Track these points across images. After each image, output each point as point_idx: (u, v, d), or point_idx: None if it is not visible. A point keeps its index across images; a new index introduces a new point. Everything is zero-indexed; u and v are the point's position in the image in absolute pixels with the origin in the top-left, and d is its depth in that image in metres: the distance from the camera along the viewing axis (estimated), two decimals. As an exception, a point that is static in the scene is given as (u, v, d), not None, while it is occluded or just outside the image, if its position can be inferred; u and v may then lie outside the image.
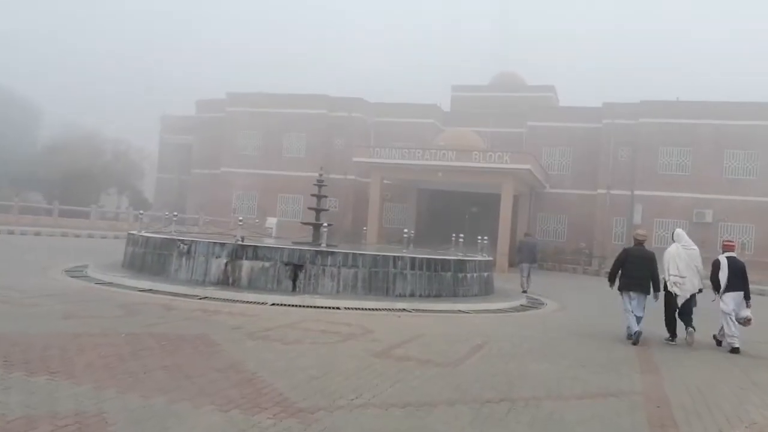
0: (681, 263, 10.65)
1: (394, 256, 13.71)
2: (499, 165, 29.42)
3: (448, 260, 14.54)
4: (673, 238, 11.26)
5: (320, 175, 17.50)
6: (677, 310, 10.72)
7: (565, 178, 37.35)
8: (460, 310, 13.14)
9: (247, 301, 12.02)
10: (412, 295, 13.73)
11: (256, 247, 13.31)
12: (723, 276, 10.42)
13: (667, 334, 10.84)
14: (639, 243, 11.10)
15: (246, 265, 13.18)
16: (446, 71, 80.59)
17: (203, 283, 13.24)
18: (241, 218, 14.48)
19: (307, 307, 12.00)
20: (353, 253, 13.41)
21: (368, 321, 10.74)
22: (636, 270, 10.66)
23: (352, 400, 5.81)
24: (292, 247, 13.43)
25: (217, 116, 41.95)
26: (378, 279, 13.43)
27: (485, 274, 15.76)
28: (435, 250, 19.41)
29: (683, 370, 8.45)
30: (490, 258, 16.81)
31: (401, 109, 39.85)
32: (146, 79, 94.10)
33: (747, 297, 10.50)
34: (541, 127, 37.63)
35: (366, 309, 12.23)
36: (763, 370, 8.83)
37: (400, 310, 12.46)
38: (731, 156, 33.84)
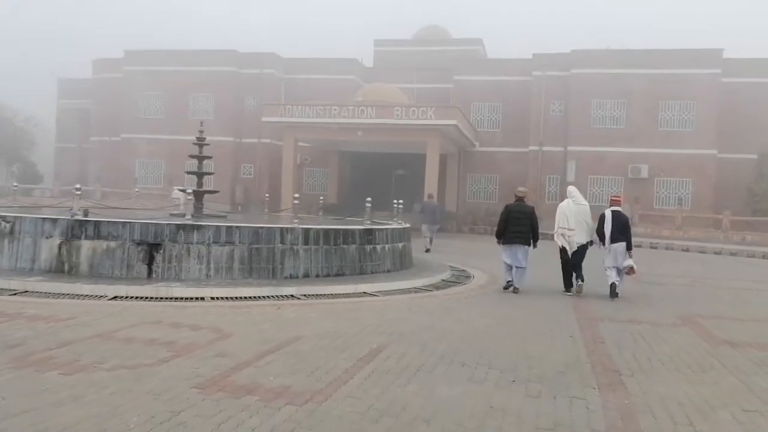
0: (571, 217, 11.30)
1: (282, 229, 10.89)
2: (423, 121, 26.82)
3: (352, 231, 11.82)
4: (566, 195, 11.83)
5: (200, 132, 14.48)
6: (569, 263, 11.40)
7: (495, 135, 35.07)
8: (364, 293, 10.48)
9: (81, 295, 9.08)
10: (306, 275, 10.99)
11: (98, 222, 10.26)
12: (607, 229, 11.08)
13: (563, 288, 11.55)
14: (519, 199, 11.70)
15: (86, 246, 10.15)
16: (368, 26, 77.08)
17: (30, 271, 10.18)
18: (78, 186, 11.32)
19: (161, 299, 9.12)
20: (227, 227, 10.52)
21: (231, 318, 7.95)
22: (517, 224, 11.35)
23: None
24: (146, 221, 10.45)
25: (116, 77, 37.78)
26: (261, 258, 10.61)
27: (400, 244, 13.14)
28: (348, 217, 16.76)
29: (657, 378, 5.98)
30: (407, 225, 14.17)
31: (319, 65, 36.62)
32: (36, 35, 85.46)
33: (629, 248, 11.12)
34: (469, 81, 35.14)
35: (241, 298, 9.45)
36: (760, 371, 6.45)
37: (286, 297, 9.73)
38: (666, 107, 32.10)
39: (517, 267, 11.28)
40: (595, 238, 11.40)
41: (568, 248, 11.31)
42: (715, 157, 31.75)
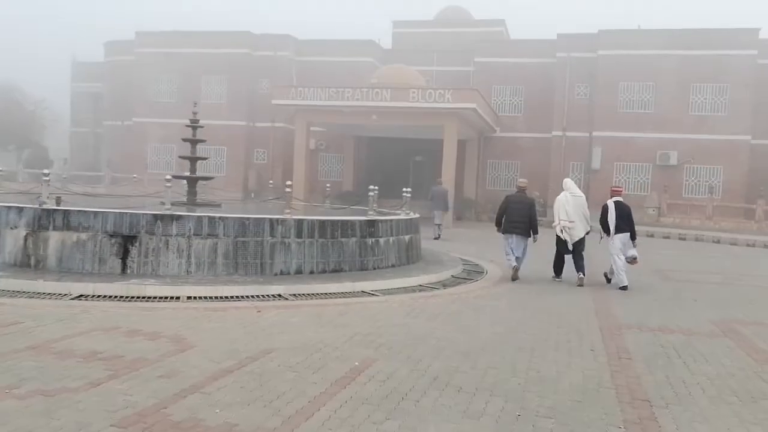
0: (570, 209, 11.20)
1: (272, 220, 9.85)
2: (441, 104, 25.52)
3: (351, 222, 10.75)
4: (562, 187, 11.75)
5: (194, 113, 13.50)
6: (569, 253, 11.30)
7: (517, 120, 33.66)
8: (362, 291, 9.44)
9: (41, 294, 8.15)
10: (299, 271, 9.96)
11: (67, 212, 9.31)
12: (611, 219, 10.99)
13: (553, 274, 11.67)
14: (520, 190, 11.80)
15: (54, 237, 9.23)
16: (387, 6, 75.07)
17: (-5, 265, 9.28)
18: (46, 171, 10.37)
19: (131, 299, 8.17)
20: (210, 218, 9.51)
21: (201, 324, 6.95)
22: (516, 215, 11.37)
23: None
24: (122, 210, 9.47)
25: (128, 60, 36.91)
26: (248, 252, 9.60)
27: (407, 237, 12.05)
28: (357, 206, 15.70)
29: (697, 411, 4.85)
30: (416, 215, 13.08)
31: (334, 47, 35.35)
32: (47, 17, 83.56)
33: (633, 237, 11.06)
34: (490, 63, 33.70)
35: (220, 298, 8.46)
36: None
37: (272, 296, 8.72)
38: (698, 90, 30.43)
39: (516, 257, 11.40)
40: (597, 228, 11.46)
41: (569, 240, 11.22)
42: (749, 143, 30.10)
